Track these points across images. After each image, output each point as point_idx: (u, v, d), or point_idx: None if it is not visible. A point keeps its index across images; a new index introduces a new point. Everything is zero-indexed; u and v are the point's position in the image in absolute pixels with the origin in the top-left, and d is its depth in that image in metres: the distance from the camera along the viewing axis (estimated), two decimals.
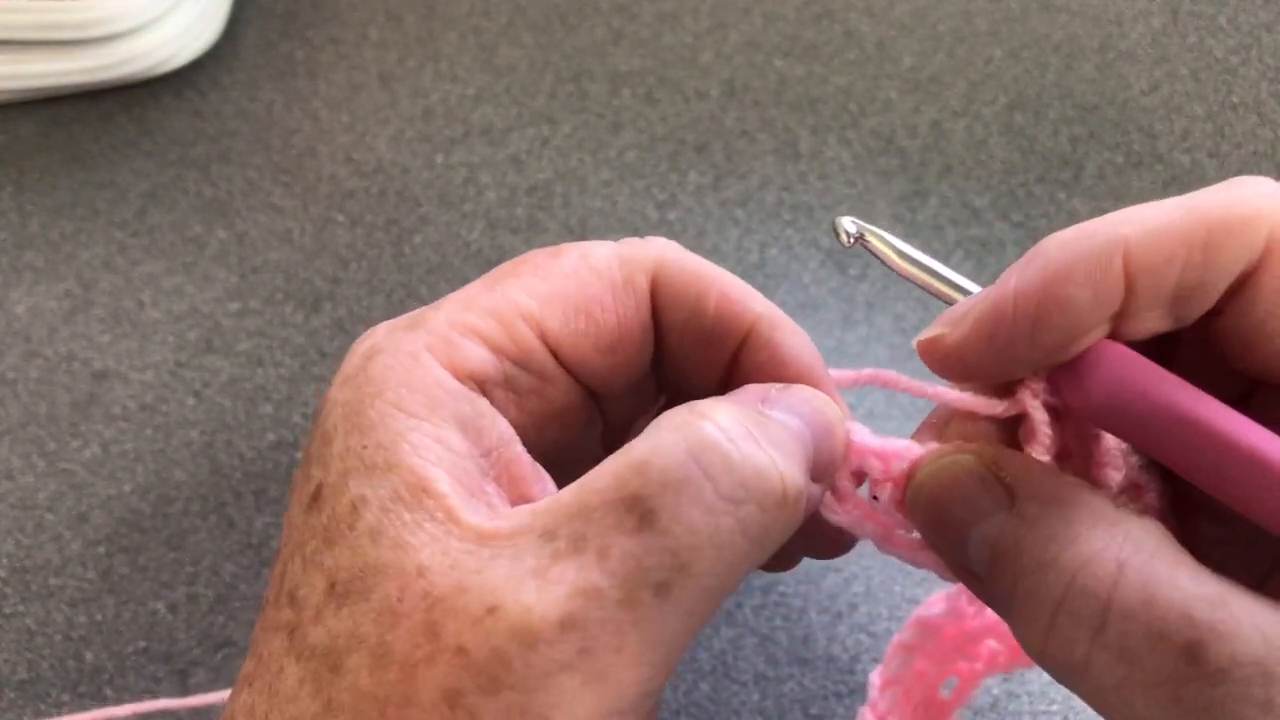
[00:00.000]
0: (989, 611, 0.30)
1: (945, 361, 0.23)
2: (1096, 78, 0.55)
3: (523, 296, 0.24)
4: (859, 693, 0.38)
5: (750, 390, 0.24)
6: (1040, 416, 0.23)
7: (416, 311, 0.24)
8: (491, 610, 0.19)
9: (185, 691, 0.39)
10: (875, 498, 0.25)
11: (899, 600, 0.40)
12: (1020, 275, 0.21)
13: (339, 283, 0.49)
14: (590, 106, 0.55)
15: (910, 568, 0.34)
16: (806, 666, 0.39)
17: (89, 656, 0.40)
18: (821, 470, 0.23)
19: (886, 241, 0.25)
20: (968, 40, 0.56)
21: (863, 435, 0.25)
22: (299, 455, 0.44)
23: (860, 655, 0.39)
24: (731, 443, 0.21)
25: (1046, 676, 0.38)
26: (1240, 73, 0.54)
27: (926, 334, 0.23)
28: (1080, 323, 0.21)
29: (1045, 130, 0.53)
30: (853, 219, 0.26)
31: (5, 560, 0.42)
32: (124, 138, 0.55)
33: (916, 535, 0.24)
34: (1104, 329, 0.21)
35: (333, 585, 0.21)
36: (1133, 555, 0.19)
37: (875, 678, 0.33)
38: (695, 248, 0.50)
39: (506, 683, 0.19)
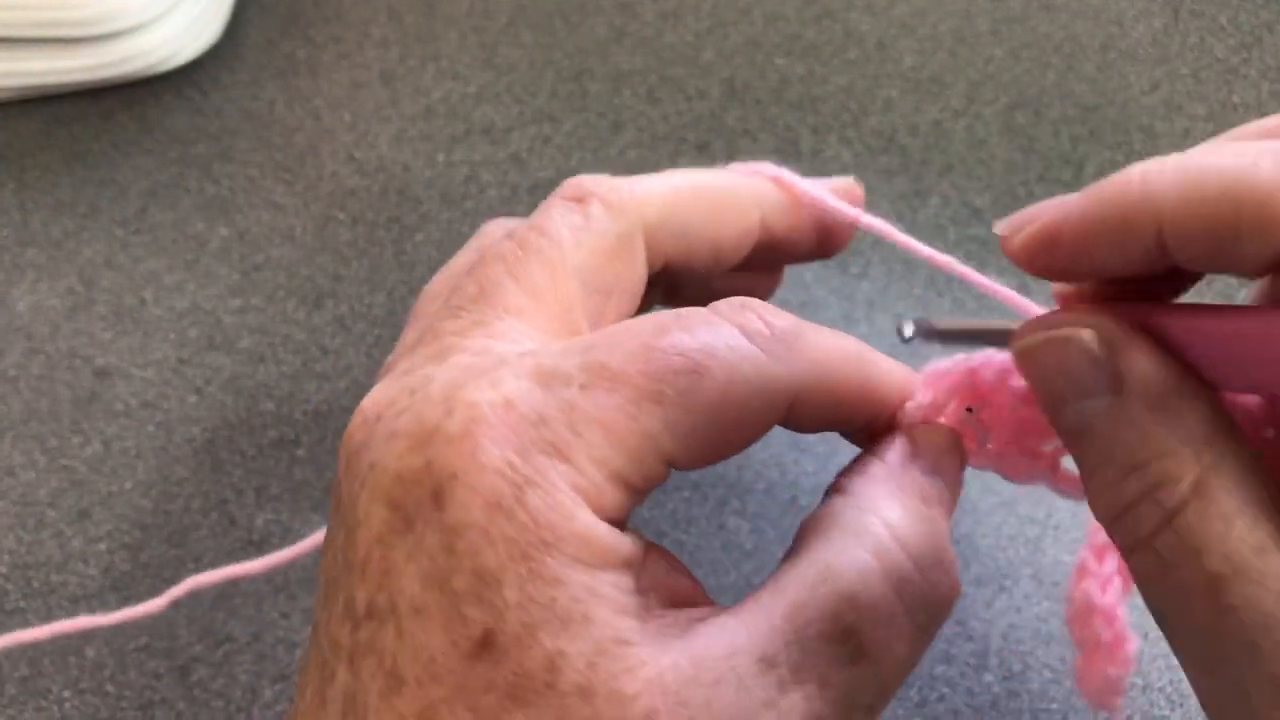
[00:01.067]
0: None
1: (1013, 258, 0.25)
2: (1097, 78, 0.55)
3: (665, 438, 0.23)
4: None
5: (898, 456, 0.26)
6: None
7: (542, 394, 0.23)
8: None
9: (188, 689, 0.39)
10: (970, 409, 0.27)
11: None
12: (1068, 210, 0.23)
13: (341, 280, 0.49)
14: (591, 105, 0.55)
15: None
16: None
17: (90, 653, 0.40)
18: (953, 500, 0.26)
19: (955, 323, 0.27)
20: (968, 40, 0.57)
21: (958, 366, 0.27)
22: (300, 453, 0.44)
23: None
24: (923, 574, 0.23)
25: (1048, 675, 0.38)
26: (1241, 73, 0.54)
27: (1002, 228, 0.25)
28: (1113, 271, 0.22)
29: (1046, 130, 0.53)
30: (911, 321, 0.27)
31: (6, 557, 0.42)
32: (125, 136, 0.55)
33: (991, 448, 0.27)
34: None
35: None
36: (1212, 479, 0.20)
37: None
38: None
39: None
